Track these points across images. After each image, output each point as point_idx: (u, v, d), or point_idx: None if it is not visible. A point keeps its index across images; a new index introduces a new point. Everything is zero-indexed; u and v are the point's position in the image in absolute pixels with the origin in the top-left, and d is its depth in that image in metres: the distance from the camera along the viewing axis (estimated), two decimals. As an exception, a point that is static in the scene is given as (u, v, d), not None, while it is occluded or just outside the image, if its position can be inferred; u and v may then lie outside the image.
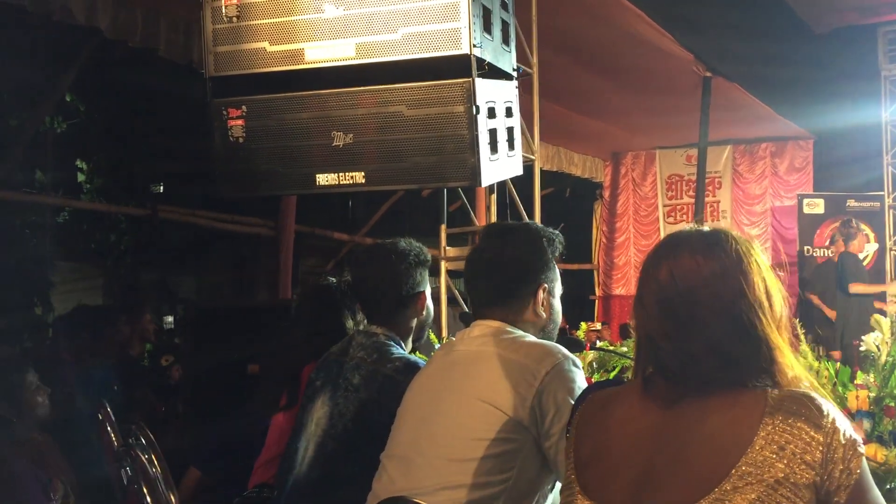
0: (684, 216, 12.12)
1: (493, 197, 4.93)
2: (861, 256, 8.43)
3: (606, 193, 13.00)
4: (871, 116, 9.20)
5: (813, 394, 1.36)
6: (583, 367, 2.80)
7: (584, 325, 3.94)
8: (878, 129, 9.21)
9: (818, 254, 9.73)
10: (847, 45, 8.45)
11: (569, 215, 13.10)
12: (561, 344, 2.07)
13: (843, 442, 1.31)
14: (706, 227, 1.50)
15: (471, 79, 3.43)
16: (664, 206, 12.44)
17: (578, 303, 12.54)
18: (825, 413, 1.32)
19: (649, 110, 9.72)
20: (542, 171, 5.79)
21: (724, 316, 1.39)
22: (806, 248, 9.83)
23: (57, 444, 3.48)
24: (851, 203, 9.68)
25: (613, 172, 12.92)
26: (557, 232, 2.17)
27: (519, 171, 4.12)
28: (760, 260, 1.45)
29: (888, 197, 9.35)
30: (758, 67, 8.16)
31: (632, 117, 10.23)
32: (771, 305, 1.41)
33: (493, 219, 4.91)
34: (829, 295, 8.02)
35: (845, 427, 1.33)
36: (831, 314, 7.94)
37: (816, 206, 9.90)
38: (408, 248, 2.49)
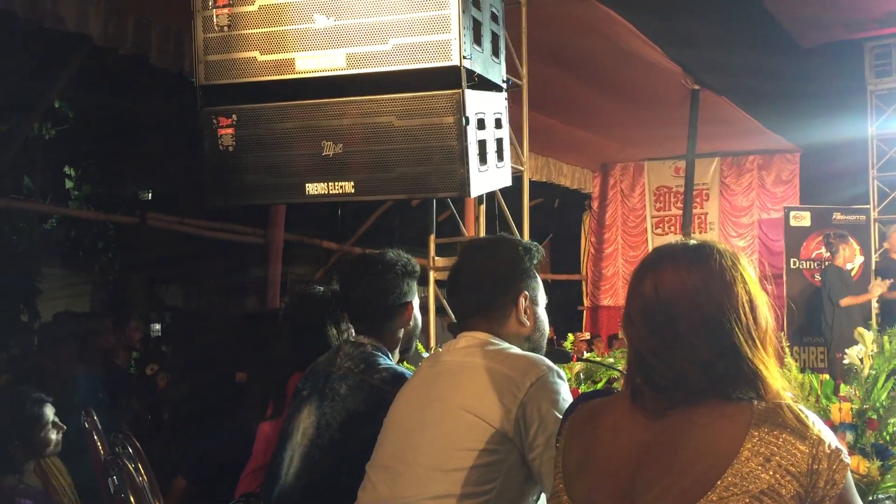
0: (672, 227, 12.18)
1: (482, 207, 4.95)
2: (848, 268, 8.52)
3: (595, 204, 13.05)
4: (858, 130, 9.26)
5: (799, 406, 1.37)
6: (570, 378, 2.80)
7: (570, 336, 3.93)
8: (864, 144, 9.27)
9: (803, 265, 9.80)
10: (834, 59, 8.50)
11: (557, 226, 13.20)
12: (548, 354, 2.07)
13: (828, 453, 1.31)
14: (692, 241, 1.49)
15: (461, 90, 3.44)
16: (652, 217, 12.50)
17: (567, 313, 12.55)
18: (810, 425, 1.33)
19: (638, 122, 9.76)
20: (530, 182, 5.81)
21: (707, 329, 1.39)
22: (792, 260, 9.88)
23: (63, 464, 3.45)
24: (838, 216, 9.73)
25: (602, 183, 12.97)
26: (535, 243, 2.17)
27: (508, 182, 4.13)
28: (746, 273, 1.44)
29: (874, 210, 9.42)
30: (745, 81, 8.21)
31: (621, 129, 10.27)
32: (755, 318, 1.41)
33: (483, 229, 4.93)
34: None
35: (830, 439, 1.33)
36: None
37: (803, 219, 9.94)
38: (395, 258, 2.49)
